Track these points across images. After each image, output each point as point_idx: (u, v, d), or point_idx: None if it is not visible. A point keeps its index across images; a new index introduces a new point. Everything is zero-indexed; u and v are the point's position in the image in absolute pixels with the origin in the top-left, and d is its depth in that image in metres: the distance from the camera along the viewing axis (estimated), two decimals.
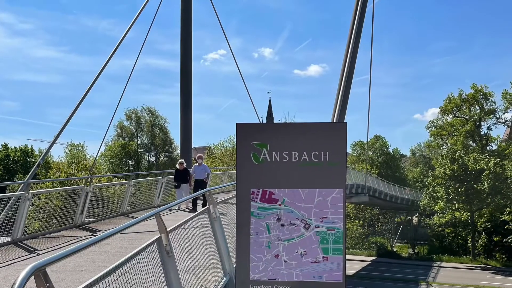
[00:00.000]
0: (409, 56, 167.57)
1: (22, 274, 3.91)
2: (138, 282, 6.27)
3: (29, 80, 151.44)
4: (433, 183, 69.30)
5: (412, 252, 76.44)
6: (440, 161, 69.24)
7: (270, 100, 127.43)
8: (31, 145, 76.32)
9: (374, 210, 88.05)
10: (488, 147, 77.78)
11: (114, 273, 5.57)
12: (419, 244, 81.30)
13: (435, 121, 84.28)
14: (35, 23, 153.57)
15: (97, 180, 30.73)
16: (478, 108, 77.63)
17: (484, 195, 62.87)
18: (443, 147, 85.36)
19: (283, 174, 6.20)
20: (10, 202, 16.50)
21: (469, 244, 68.69)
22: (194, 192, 22.94)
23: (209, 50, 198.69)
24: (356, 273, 56.70)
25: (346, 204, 7.74)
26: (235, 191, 6.42)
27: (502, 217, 62.84)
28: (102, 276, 5.24)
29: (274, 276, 6.28)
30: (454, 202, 65.94)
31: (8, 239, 15.62)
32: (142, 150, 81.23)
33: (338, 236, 6.24)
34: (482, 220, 67.57)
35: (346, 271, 6.45)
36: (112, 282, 5.47)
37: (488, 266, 61.80)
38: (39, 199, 18.68)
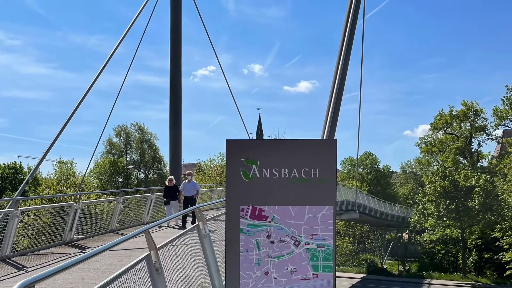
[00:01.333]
0: (400, 72, 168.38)
1: None
2: None
3: (18, 97, 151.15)
4: (424, 200, 69.23)
5: (402, 269, 76.24)
6: (431, 177, 69.25)
7: (260, 117, 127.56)
8: (20, 162, 76.00)
9: (364, 227, 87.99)
10: (478, 163, 78.01)
11: None
12: (410, 261, 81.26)
13: (426, 138, 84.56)
14: (23, 40, 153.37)
15: (86, 197, 30.62)
16: (468, 124, 77.87)
17: (475, 212, 62.84)
18: (434, 163, 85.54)
19: (273, 191, 6.17)
20: None
21: (460, 261, 68.66)
22: (183, 209, 23.10)
23: (199, 66, 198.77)
24: None
25: (336, 221, 7.71)
26: (224, 208, 6.39)
27: (493, 234, 62.75)
28: None
29: None
30: (444, 219, 65.89)
31: None
32: (132, 166, 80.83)
33: (328, 253, 6.21)
34: (473, 237, 67.49)
35: None
36: None
37: (479, 283, 61.67)
38: (28, 216, 18.54)
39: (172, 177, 26.01)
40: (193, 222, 21.43)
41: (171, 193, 24.53)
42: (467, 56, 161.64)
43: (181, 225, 23.68)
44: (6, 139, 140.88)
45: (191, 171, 26.64)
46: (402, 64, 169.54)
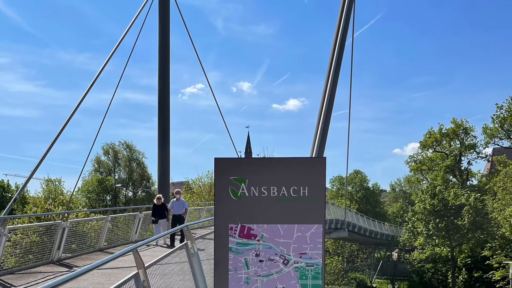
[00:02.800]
0: (389, 90, 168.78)
1: None
2: None
3: (6, 115, 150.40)
4: (413, 218, 69.29)
5: None
6: (420, 196, 69.35)
7: (248, 135, 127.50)
8: (8, 180, 75.52)
9: (353, 245, 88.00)
10: (468, 182, 77.97)
11: None
12: (399, 280, 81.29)
13: (415, 156, 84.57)
14: (11, 57, 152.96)
15: (74, 215, 30.45)
16: (458, 142, 77.92)
17: (465, 231, 62.88)
18: (423, 182, 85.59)
19: (261, 209, 6.15)
20: None
21: (449, 280, 68.59)
22: (172, 228, 23.03)
23: (187, 84, 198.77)
24: None
25: (326, 240, 7.69)
26: (213, 227, 6.36)
27: (483, 253, 62.73)
28: None
29: None
30: (434, 237, 65.96)
31: None
32: (120, 185, 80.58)
33: (317, 272, 6.19)
34: (463, 255, 67.52)
35: None
36: None
37: None
38: (16, 235, 18.40)
39: (161, 195, 25.86)
40: (181, 240, 21.54)
41: (159, 212, 24.40)
42: (457, 74, 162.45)
43: (169, 244, 23.63)
44: None
45: (180, 190, 26.70)
46: (391, 82, 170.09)
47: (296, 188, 6.17)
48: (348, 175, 63.41)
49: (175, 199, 24.71)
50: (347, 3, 30.35)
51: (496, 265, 59.17)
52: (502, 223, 57.90)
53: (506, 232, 57.02)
